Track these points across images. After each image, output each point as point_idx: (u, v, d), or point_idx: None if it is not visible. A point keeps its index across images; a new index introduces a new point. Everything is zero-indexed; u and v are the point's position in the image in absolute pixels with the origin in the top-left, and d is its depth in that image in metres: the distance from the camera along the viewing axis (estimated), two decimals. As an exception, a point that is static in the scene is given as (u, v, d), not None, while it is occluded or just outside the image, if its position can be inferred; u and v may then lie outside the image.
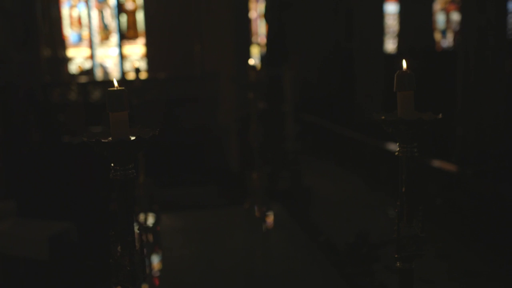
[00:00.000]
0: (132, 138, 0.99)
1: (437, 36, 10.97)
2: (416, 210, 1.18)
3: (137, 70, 2.60)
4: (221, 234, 2.43)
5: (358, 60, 8.88)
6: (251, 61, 2.61)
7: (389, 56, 9.96)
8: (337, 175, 7.01)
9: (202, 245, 2.29)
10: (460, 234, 4.60)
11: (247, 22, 8.50)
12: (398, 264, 1.16)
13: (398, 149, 1.13)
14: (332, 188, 6.35)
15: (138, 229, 2.63)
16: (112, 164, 1.02)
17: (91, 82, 7.46)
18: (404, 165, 1.13)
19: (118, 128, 1.00)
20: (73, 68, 8.21)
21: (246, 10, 6.98)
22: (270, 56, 9.72)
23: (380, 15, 9.52)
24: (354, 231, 3.33)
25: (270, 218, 2.67)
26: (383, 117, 1.08)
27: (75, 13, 8.13)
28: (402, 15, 10.38)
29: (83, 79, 7.69)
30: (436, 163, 5.34)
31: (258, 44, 11.11)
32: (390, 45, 10.66)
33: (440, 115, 1.08)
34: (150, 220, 2.66)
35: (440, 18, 11.05)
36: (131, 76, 7.98)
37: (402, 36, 10.35)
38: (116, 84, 1.02)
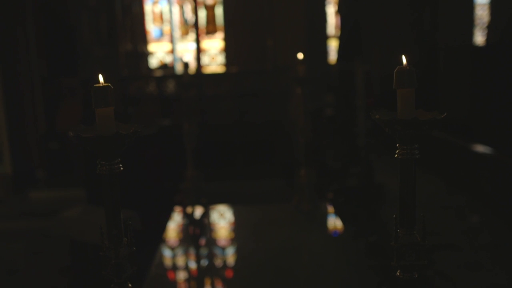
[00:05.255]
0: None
1: (534, 27, 10.19)
2: (419, 216, 1.11)
3: (186, 65, 2.64)
4: (264, 230, 2.41)
5: (443, 53, 8.45)
6: (300, 55, 2.55)
7: (478, 48, 9.40)
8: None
9: (237, 240, 2.29)
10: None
11: (323, 15, 8.36)
12: (398, 274, 1.10)
13: (397, 150, 1.06)
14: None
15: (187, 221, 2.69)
16: (98, 159, 1.03)
17: (167, 76, 7.70)
18: (404, 168, 1.06)
19: (103, 124, 1.02)
20: (154, 62, 8.51)
21: (322, 3, 6.87)
22: (344, 50, 9.48)
23: (469, 5, 8.98)
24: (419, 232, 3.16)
25: (316, 216, 2.63)
26: (377, 116, 1.01)
27: (157, 8, 8.43)
28: (494, 6, 9.74)
29: (160, 73, 7.96)
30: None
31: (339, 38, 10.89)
32: (480, 37, 10.05)
33: (444, 115, 0.99)
34: (198, 213, 2.70)
35: (537, 8, 10.26)
36: (208, 69, 8.15)
37: (492, 27, 9.72)
38: (101, 80, 1.03)
